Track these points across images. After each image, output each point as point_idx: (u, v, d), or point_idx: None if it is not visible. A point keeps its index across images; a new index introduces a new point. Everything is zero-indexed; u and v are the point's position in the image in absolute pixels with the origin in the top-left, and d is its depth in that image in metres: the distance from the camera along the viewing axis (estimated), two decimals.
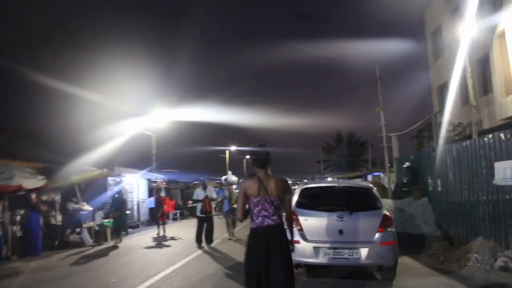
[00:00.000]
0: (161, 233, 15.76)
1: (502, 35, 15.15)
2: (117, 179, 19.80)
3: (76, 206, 14.81)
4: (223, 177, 14.45)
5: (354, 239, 6.67)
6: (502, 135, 8.20)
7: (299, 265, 6.98)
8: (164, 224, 16.35)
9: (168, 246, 12.86)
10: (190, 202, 13.21)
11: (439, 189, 11.66)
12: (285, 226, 4.47)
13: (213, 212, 12.95)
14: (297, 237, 6.76)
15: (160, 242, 13.88)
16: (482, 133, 13.17)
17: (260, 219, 4.28)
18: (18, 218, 12.61)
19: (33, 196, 12.65)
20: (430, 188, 12.58)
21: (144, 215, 22.92)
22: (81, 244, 14.01)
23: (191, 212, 24.61)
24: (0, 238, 11.36)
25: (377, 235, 6.67)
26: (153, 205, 24.58)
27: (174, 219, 25.57)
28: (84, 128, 22.95)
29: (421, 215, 11.48)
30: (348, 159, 58.42)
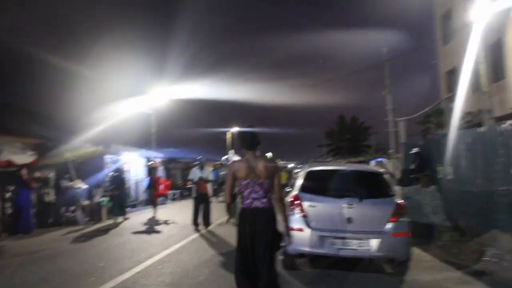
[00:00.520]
0: (156, 215, 15.20)
1: None
2: (115, 157, 19.26)
3: (70, 183, 14.24)
4: (224, 157, 13.28)
5: (364, 229, 6.10)
6: None
7: (302, 255, 6.40)
8: (155, 205, 15.86)
9: (163, 228, 12.26)
10: (189, 182, 12.53)
11: (450, 177, 11.08)
12: (276, 211, 4.32)
13: (209, 194, 12.28)
14: (300, 224, 6.21)
15: (155, 224, 13.31)
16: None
17: (249, 200, 4.21)
18: (9, 195, 12.11)
19: (24, 172, 12.10)
20: (440, 176, 12.03)
21: (143, 195, 22.34)
22: (75, 222, 13.55)
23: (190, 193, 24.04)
24: None
25: (389, 225, 6.09)
26: None
27: (174, 199, 25.19)
28: (82, 105, 22.37)
29: (429, 204, 10.97)
30: (350, 144, 57.91)
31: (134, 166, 21.59)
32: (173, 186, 27.75)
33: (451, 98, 18.17)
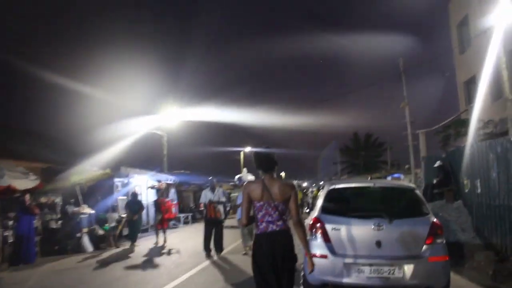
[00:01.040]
0: (161, 242, 14.13)
1: None
2: (125, 180, 18.69)
3: (76, 209, 13.64)
4: (237, 176, 11.97)
5: (396, 254, 5.31)
6: None
7: (326, 285, 5.61)
8: (164, 231, 14.65)
9: (172, 255, 11.49)
10: (202, 205, 11.83)
11: (479, 190, 10.24)
12: (292, 233, 4.11)
13: (221, 217, 11.36)
14: (322, 250, 5.45)
15: (163, 250, 12.53)
16: None
17: (264, 224, 4.07)
18: (11, 222, 11.53)
19: (27, 198, 11.51)
20: (466, 190, 11.21)
21: (154, 219, 21.63)
22: (81, 250, 12.91)
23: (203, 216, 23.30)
24: None
25: (425, 248, 5.30)
26: None
27: (186, 222, 24.51)
28: (92, 128, 22.00)
29: (455, 220, 10.19)
30: (365, 160, 57.01)
31: (145, 189, 20.93)
32: (185, 209, 27.14)
33: (471, 108, 17.51)
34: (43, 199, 14.21)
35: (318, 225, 5.59)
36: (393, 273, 5.22)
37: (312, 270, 4.16)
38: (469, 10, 20.11)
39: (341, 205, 5.96)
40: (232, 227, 16.60)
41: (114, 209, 16.65)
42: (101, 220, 14.93)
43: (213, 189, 11.33)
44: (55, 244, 12.99)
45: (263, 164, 4.21)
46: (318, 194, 24.33)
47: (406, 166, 37.96)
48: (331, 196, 6.00)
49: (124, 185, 18.59)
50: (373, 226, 5.39)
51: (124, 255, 11.93)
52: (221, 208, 11.23)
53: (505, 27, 13.06)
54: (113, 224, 14.49)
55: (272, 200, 4.05)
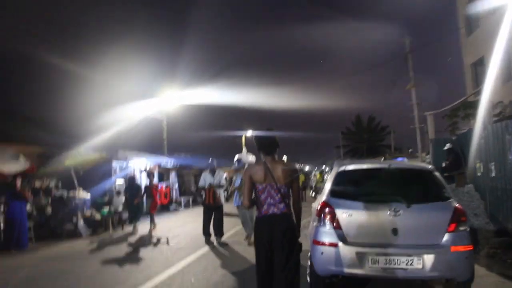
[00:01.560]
0: (155, 228, 13.47)
1: None
2: (123, 163, 18.17)
3: (72, 193, 13.12)
4: (236, 157, 10.51)
5: (415, 242, 4.76)
6: None
7: (336, 276, 5.07)
8: (152, 217, 13.75)
9: (169, 241, 10.84)
10: (201, 190, 11.27)
11: (493, 174, 9.73)
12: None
13: (221, 202, 10.64)
14: (332, 237, 4.89)
15: (160, 235, 11.92)
16: None
17: (265, 207, 4.05)
18: (1, 208, 11.03)
19: (18, 182, 10.98)
20: (479, 174, 10.72)
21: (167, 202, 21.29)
22: (77, 235, 12.43)
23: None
24: None
25: (446, 237, 4.74)
26: None
27: (186, 206, 24.09)
28: (90, 111, 21.39)
29: (468, 205, 9.70)
30: (368, 144, 56.55)
31: (145, 172, 20.41)
32: (186, 192, 26.74)
33: (480, 90, 16.97)
34: (37, 184, 13.72)
35: (327, 210, 5.02)
36: (411, 264, 4.66)
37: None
38: None
39: (352, 189, 5.37)
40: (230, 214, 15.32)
41: (111, 193, 16.21)
42: (98, 204, 14.47)
43: (213, 172, 10.70)
44: (50, 230, 12.53)
45: (265, 147, 4.16)
46: (323, 177, 23.83)
47: (410, 150, 37.49)
48: (341, 179, 5.41)
49: (123, 168, 18.11)
50: (389, 212, 4.82)
51: (120, 240, 11.44)
52: (221, 192, 10.66)
53: None
54: (110, 209, 14.01)
55: (274, 183, 4.00)
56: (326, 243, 4.86)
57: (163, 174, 24.74)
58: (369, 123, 60.18)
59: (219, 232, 10.40)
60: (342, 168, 5.52)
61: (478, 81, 22.10)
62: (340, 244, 4.83)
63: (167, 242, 10.52)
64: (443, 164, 12.57)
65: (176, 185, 25.77)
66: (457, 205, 4.97)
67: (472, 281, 4.86)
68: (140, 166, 19.88)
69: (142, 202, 14.82)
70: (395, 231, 4.77)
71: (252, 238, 8.95)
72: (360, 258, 4.75)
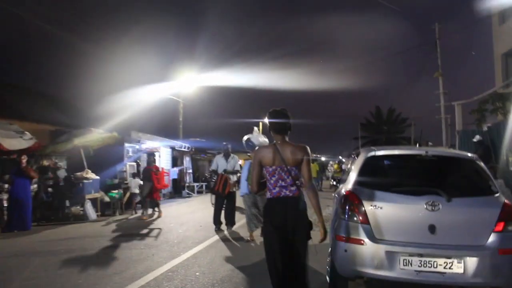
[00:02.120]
0: (153, 216, 12.63)
1: None
2: (136, 146, 17.64)
3: (79, 174, 12.61)
4: (245, 137, 8.55)
5: (455, 242, 4.03)
6: None
7: (361, 277, 4.37)
8: (157, 203, 13.00)
9: (177, 228, 10.26)
10: (210, 175, 10.61)
11: None
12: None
13: (234, 189, 9.86)
14: (359, 233, 4.17)
15: (168, 222, 11.37)
16: None
17: (277, 189, 3.80)
18: (6, 186, 10.57)
19: (24, 160, 10.49)
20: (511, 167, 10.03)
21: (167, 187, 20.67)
22: (84, 217, 11.96)
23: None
24: None
25: (493, 237, 3.99)
26: (175, 176, 22.58)
27: (199, 192, 23.60)
28: (107, 92, 20.92)
29: None
30: (387, 136, 55.33)
31: (158, 155, 19.88)
32: (200, 178, 26.25)
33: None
34: (45, 162, 13.27)
35: (353, 201, 4.29)
36: (450, 267, 3.94)
37: (323, 239, 3.79)
38: None
39: (383, 177, 4.63)
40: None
41: (122, 175, 15.71)
42: (107, 187, 13.97)
43: (227, 156, 10.02)
44: (56, 211, 12.08)
45: (278, 124, 3.92)
46: (341, 168, 22.98)
47: (429, 144, 36.42)
48: (370, 166, 4.62)
49: (136, 151, 17.60)
50: (425, 206, 4.09)
51: (126, 225, 10.91)
52: (235, 178, 9.95)
53: None
54: (114, 192, 13.48)
55: (284, 165, 3.78)
56: (351, 240, 4.16)
57: (177, 158, 24.26)
58: (389, 115, 58.96)
59: (231, 221, 9.77)
60: (372, 153, 4.73)
61: (509, 72, 21.16)
62: (367, 241, 4.12)
63: (171, 225, 9.92)
64: None
65: (190, 170, 25.28)
66: (505, 200, 4.21)
67: None
68: (154, 148, 19.38)
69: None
70: (432, 229, 4.05)
71: (255, 232, 8.24)
72: (390, 259, 4.04)
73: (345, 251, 4.20)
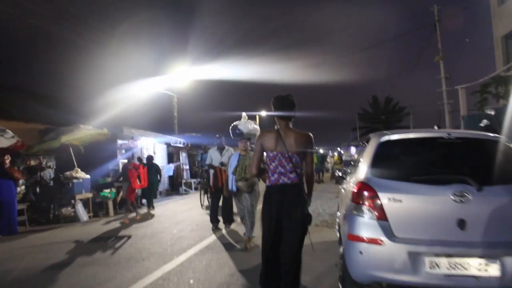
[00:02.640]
0: (132, 218, 11.52)
1: None
2: (130, 142, 17.02)
3: (68, 173, 12.00)
4: (233, 124, 7.99)
5: (490, 239, 3.41)
6: None
7: (378, 283, 3.74)
8: (134, 206, 12.03)
9: (172, 228, 9.62)
10: (203, 170, 10.15)
11: None
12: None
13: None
14: (375, 231, 3.55)
15: (163, 221, 10.77)
16: None
17: (275, 176, 3.81)
18: None
19: (7, 160, 9.89)
20: None
21: (163, 184, 20.06)
22: (75, 219, 11.38)
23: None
24: None
25: None
26: (171, 173, 21.92)
27: (196, 188, 23.01)
28: (98, 89, 20.37)
29: None
30: (385, 126, 54.92)
31: (152, 152, 19.26)
32: (197, 174, 25.67)
33: None
34: (32, 162, 12.66)
35: (367, 194, 3.68)
36: (485, 270, 3.34)
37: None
38: None
39: (400, 166, 4.01)
40: None
41: (114, 173, 15.12)
42: (100, 186, 13.35)
43: (221, 150, 9.39)
44: (45, 213, 11.49)
45: (281, 108, 3.91)
46: (341, 160, 22.31)
47: (436, 128, 35.92)
48: (384, 153, 3.99)
49: (129, 148, 16.98)
50: (452, 197, 3.47)
51: (119, 227, 10.25)
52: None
53: None
54: (106, 191, 12.89)
55: (286, 151, 3.77)
56: (366, 239, 3.55)
57: (173, 154, 23.64)
58: (386, 104, 58.58)
59: (228, 219, 9.14)
60: (385, 138, 4.09)
61: (509, 54, 20.69)
62: (386, 240, 3.50)
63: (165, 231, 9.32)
64: None
65: (187, 166, 24.68)
66: None
67: None
68: (147, 145, 18.79)
69: (157, 183, 14.46)
70: (461, 224, 3.44)
71: (251, 240, 7.36)
72: (414, 261, 3.42)
73: (360, 252, 3.58)
